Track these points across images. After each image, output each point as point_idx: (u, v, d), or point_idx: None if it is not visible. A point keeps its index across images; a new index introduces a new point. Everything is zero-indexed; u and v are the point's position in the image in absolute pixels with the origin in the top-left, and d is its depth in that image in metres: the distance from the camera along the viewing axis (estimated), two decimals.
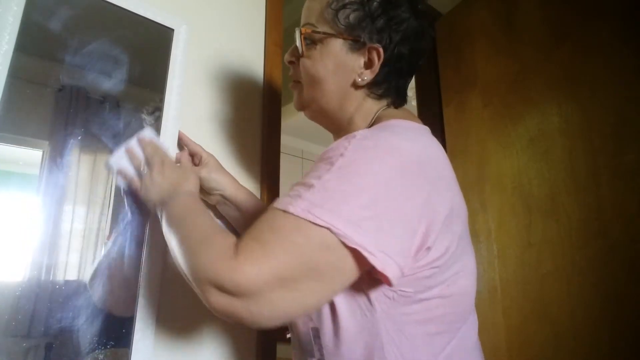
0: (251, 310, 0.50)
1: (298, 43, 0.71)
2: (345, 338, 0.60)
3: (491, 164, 1.47)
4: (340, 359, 0.61)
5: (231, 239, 0.55)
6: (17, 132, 0.76)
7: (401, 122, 0.65)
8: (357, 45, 0.68)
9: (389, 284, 0.54)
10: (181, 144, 0.88)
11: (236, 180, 0.89)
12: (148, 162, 0.75)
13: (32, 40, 0.75)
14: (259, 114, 1.07)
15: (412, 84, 1.83)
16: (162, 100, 0.87)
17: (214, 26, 1.04)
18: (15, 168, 0.76)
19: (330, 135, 0.78)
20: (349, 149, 0.56)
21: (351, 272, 0.54)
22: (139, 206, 0.77)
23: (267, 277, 0.49)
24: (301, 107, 0.76)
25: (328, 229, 0.51)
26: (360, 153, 0.56)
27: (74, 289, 0.76)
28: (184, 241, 0.58)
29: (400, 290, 0.58)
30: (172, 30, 0.90)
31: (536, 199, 1.32)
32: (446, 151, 1.76)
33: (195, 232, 0.59)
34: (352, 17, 0.67)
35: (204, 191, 0.87)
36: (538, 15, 1.40)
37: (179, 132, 0.87)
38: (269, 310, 0.51)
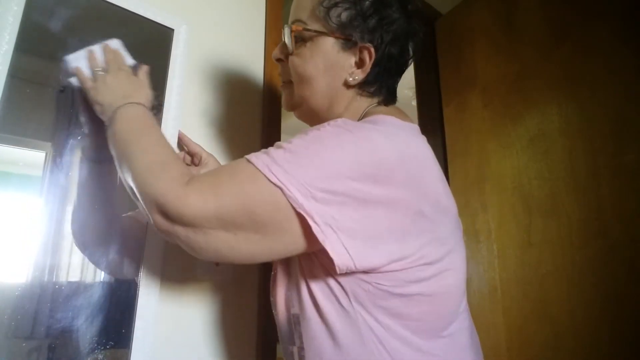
0: (189, 237, 0.54)
1: (287, 40, 0.69)
2: (324, 326, 0.60)
3: (491, 164, 1.47)
4: (319, 346, 0.60)
5: (185, 168, 0.58)
6: (18, 133, 0.76)
7: (386, 118, 0.65)
8: (348, 44, 0.67)
9: (332, 266, 0.54)
10: (181, 143, 0.88)
11: None
12: (106, 66, 0.74)
13: (32, 40, 0.75)
14: (259, 114, 1.07)
15: (412, 84, 1.83)
16: (161, 99, 0.87)
17: (214, 26, 1.04)
18: (16, 169, 0.76)
19: None
20: (327, 127, 0.58)
21: (294, 237, 0.55)
22: (90, 112, 0.74)
23: (210, 213, 0.52)
24: (291, 107, 0.75)
25: (280, 188, 0.53)
26: (336, 134, 0.57)
27: (76, 290, 0.76)
28: (137, 157, 0.59)
29: (376, 283, 0.57)
30: (172, 30, 0.90)
31: (536, 199, 1.32)
32: (446, 151, 1.76)
33: (150, 151, 0.60)
34: (344, 15, 0.66)
35: None
36: (538, 15, 1.40)
37: (179, 132, 0.87)
38: (205, 242, 0.54)
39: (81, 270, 0.79)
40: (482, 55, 1.57)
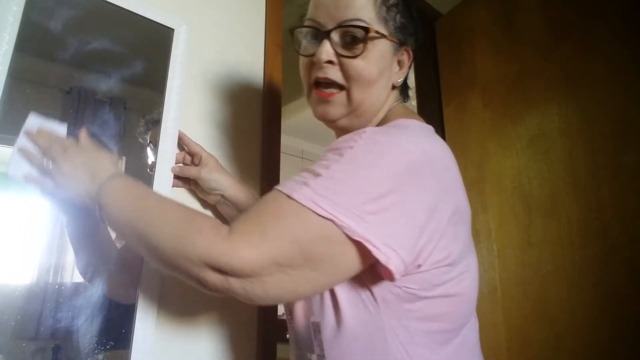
0: (246, 289, 0.51)
1: (349, 42, 0.65)
2: (347, 333, 0.60)
3: (491, 164, 1.47)
4: (341, 353, 0.60)
5: (212, 219, 0.55)
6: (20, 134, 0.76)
7: (408, 122, 0.66)
8: (397, 47, 0.69)
9: (391, 278, 0.54)
10: (181, 143, 0.88)
11: (236, 180, 0.89)
12: (48, 156, 0.67)
13: (32, 41, 0.74)
14: (259, 114, 1.07)
15: (412, 83, 1.83)
16: (161, 102, 0.87)
17: (214, 26, 1.04)
18: None
19: (330, 136, 0.77)
20: (359, 142, 0.56)
21: (351, 265, 0.54)
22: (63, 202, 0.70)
23: (264, 261, 0.50)
24: (346, 112, 0.69)
25: (331, 220, 0.51)
26: (370, 147, 0.56)
27: (82, 291, 0.76)
28: (157, 229, 0.56)
29: (405, 287, 0.58)
30: (172, 30, 0.90)
31: (536, 199, 1.32)
32: None
33: (167, 217, 0.57)
34: (398, 18, 0.68)
35: (204, 191, 0.87)
36: (538, 15, 1.40)
37: (179, 132, 0.87)
38: (263, 291, 0.52)
39: None
40: (482, 55, 1.57)
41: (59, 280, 0.75)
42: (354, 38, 0.65)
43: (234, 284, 0.51)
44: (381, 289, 0.58)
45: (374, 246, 0.51)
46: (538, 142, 1.34)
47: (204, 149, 0.88)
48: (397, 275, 0.53)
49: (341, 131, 0.73)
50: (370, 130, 0.58)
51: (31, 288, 0.73)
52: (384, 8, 0.66)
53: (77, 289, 0.76)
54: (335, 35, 0.66)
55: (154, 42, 0.92)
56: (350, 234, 0.51)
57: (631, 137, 1.13)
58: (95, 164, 0.66)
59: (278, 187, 0.55)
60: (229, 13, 1.07)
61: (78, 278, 0.77)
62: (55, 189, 0.67)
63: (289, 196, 0.53)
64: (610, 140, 1.17)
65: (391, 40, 0.67)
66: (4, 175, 0.70)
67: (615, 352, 1.10)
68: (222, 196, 0.87)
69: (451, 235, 0.59)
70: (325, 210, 0.51)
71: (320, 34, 0.67)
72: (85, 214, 0.71)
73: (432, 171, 0.58)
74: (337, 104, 0.68)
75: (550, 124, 1.31)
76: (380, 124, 0.70)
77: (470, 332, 0.66)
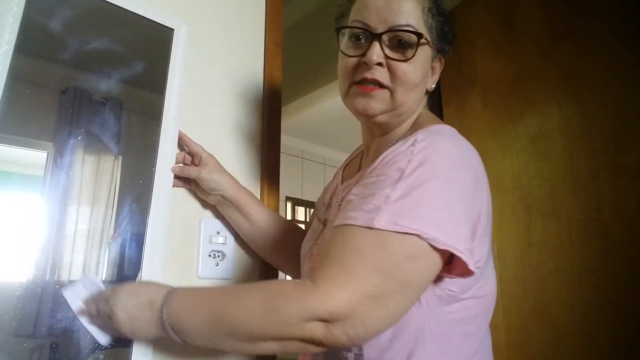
0: (348, 332, 0.52)
1: (400, 45, 0.67)
2: (387, 332, 0.61)
3: (491, 164, 1.47)
4: (379, 353, 0.61)
5: (286, 281, 0.57)
6: (20, 134, 0.76)
7: (441, 128, 0.68)
8: (435, 53, 0.72)
9: (466, 274, 0.57)
10: (181, 143, 0.88)
11: (236, 180, 0.89)
12: (102, 316, 0.65)
13: (32, 41, 0.74)
14: (259, 114, 1.07)
15: None
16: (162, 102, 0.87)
17: (214, 26, 1.04)
18: (18, 169, 0.76)
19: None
20: (415, 155, 0.58)
21: (434, 275, 0.57)
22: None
23: (359, 297, 0.51)
24: (387, 109, 0.70)
25: (417, 235, 0.52)
26: (427, 159, 0.57)
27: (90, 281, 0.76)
28: (241, 313, 0.55)
29: (448, 289, 0.60)
30: (172, 30, 0.90)
31: (536, 199, 1.32)
32: None
33: (245, 298, 0.56)
34: (440, 26, 0.71)
35: (204, 191, 0.87)
36: (538, 15, 1.40)
37: (179, 132, 0.87)
38: (364, 330, 0.52)
39: (82, 269, 0.79)
40: (482, 55, 1.57)
41: (56, 279, 0.75)
42: (403, 42, 0.67)
43: (336, 330, 0.51)
44: (426, 292, 0.60)
45: (459, 251, 0.54)
46: (538, 142, 1.34)
47: (204, 149, 0.88)
48: (475, 277, 0.57)
49: (377, 128, 0.75)
50: (419, 139, 0.60)
51: (29, 286, 0.73)
52: (430, 15, 0.69)
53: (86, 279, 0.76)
54: (385, 38, 0.67)
55: (153, 42, 0.92)
56: (436, 244, 0.53)
57: (631, 137, 1.13)
58: (144, 298, 0.63)
59: (348, 221, 0.56)
60: (229, 13, 1.07)
61: (75, 276, 0.77)
62: (128, 336, 0.65)
63: (369, 227, 0.53)
64: (610, 140, 1.17)
65: (432, 47, 0.71)
66: (11, 175, 0.71)
67: (615, 352, 1.10)
68: (222, 196, 0.87)
69: (485, 238, 0.63)
70: (409, 228, 0.52)
71: (370, 36, 0.68)
72: None
73: (477, 176, 0.62)
74: (379, 100, 0.69)
75: (550, 124, 1.31)
76: (414, 127, 0.72)
77: (489, 334, 0.70)
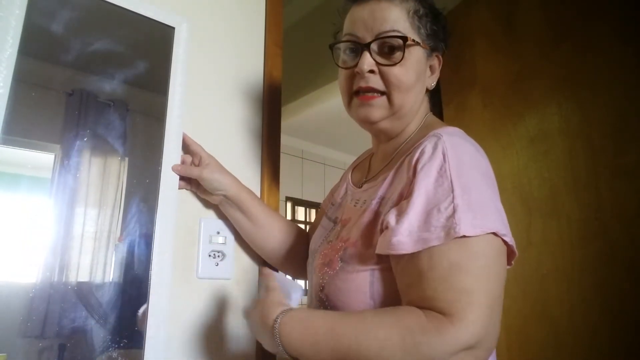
0: (488, 349, 0.55)
1: (388, 51, 0.70)
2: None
3: (491, 164, 1.46)
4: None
5: (414, 309, 0.55)
6: (27, 136, 0.77)
7: (453, 129, 0.71)
8: (429, 53, 0.74)
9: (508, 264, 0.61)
10: (182, 143, 0.88)
11: (238, 180, 0.89)
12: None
13: (35, 44, 0.75)
14: (259, 114, 1.07)
15: None
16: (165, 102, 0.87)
17: (214, 27, 1.04)
18: (26, 171, 0.76)
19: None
20: (451, 160, 0.60)
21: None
22: None
23: (485, 312, 0.53)
24: (387, 115, 0.73)
25: (494, 233, 0.56)
26: (460, 161, 0.61)
27: (86, 290, 0.77)
28: (372, 350, 0.53)
29: None
30: (173, 28, 0.91)
31: (536, 199, 1.32)
32: None
33: (380, 333, 0.54)
34: (429, 26, 0.73)
35: (206, 191, 0.87)
36: (538, 15, 1.39)
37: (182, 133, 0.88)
38: (496, 334, 0.56)
39: (90, 270, 0.79)
40: (482, 55, 1.57)
41: (64, 280, 0.75)
42: (392, 47, 0.70)
43: (479, 352, 0.53)
44: None
45: (513, 247, 0.60)
46: (538, 142, 1.34)
47: (203, 149, 0.88)
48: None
49: (382, 134, 0.78)
50: (447, 141, 0.63)
51: (37, 287, 0.73)
52: (416, 17, 0.72)
53: (82, 288, 0.77)
54: (374, 47, 0.70)
55: (154, 41, 0.92)
56: (507, 239, 0.58)
57: (631, 137, 1.12)
58: (262, 313, 0.63)
59: (430, 244, 0.56)
60: (229, 13, 1.07)
61: (83, 277, 0.78)
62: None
63: (453, 237, 0.54)
64: (610, 140, 1.16)
65: (424, 47, 0.73)
66: (15, 177, 0.71)
67: (615, 352, 1.09)
68: (225, 196, 0.87)
69: None
70: (487, 227, 0.56)
71: (360, 47, 0.71)
72: None
73: (492, 171, 0.68)
74: (378, 107, 0.72)
75: (550, 124, 1.31)
76: (424, 129, 0.74)
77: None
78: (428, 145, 0.63)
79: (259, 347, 0.93)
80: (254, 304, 0.68)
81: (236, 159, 1.00)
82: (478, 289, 0.53)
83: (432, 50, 0.75)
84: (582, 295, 1.17)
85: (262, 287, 0.69)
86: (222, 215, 0.93)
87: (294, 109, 2.53)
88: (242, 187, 0.88)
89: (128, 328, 0.77)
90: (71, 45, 0.77)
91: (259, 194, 1.02)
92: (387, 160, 0.77)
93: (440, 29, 0.75)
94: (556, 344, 1.21)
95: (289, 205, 3.99)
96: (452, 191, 0.57)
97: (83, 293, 0.76)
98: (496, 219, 0.58)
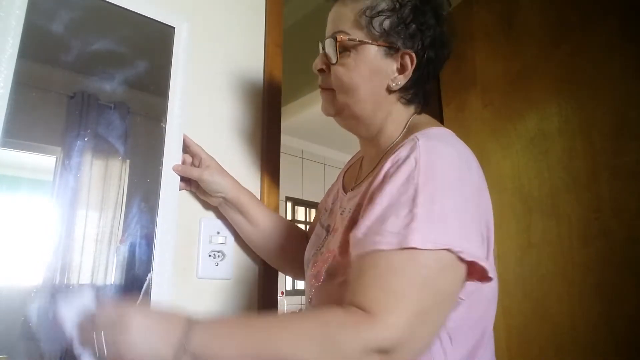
0: (405, 357, 0.52)
1: (331, 51, 0.71)
2: None
3: (491, 164, 1.47)
4: None
5: (335, 308, 0.53)
6: (28, 139, 0.76)
7: (437, 131, 0.68)
8: (390, 51, 0.70)
9: (484, 280, 0.59)
10: (182, 144, 0.88)
11: (238, 182, 0.89)
12: (104, 325, 0.53)
13: (36, 45, 0.75)
14: (259, 114, 1.07)
15: None
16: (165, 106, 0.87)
17: (214, 26, 1.04)
18: (26, 174, 0.76)
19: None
20: (422, 167, 0.57)
21: (461, 285, 0.58)
22: None
23: (410, 319, 0.51)
24: (333, 112, 0.76)
25: (448, 249, 0.53)
26: (432, 169, 0.58)
27: (89, 291, 0.77)
28: (290, 347, 0.50)
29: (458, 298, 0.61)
30: (173, 28, 0.90)
31: (536, 199, 1.32)
32: None
33: (291, 329, 0.52)
34: (386, 23, 0.69)
35: (206, 193, 0.87)
36: (538, 15, 1.39)
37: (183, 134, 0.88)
38: (417, 349, 0.53)
39: (92, 272, 0.79)
40: (482, 55, 1.57)
41: (66, 282, 0.75)
42: (339, 48, 0.70)
43: (394, 358, 0.50)
44: None
45: (482, 260, 0.56)
46: (538, 142, 1.34)
47: (204, 150, 0.88)
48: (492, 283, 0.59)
49: (354, 133, 0.78)
50: (421, 147, 0.59)
51: (39, 289, 0.73)
52: (365, 16, 0.69)
53: (84, 289, 0.77)
54: (327, 46, 0.72)
55: (155, 41, 0.92)
56: (464, 256, 0.54)
57: (631, 137, 1.13)
58: (161, 322, 0.54)
59: (377, 247, 0.54)
60: (229, 13, 1.07)
61: (85, 279, 0.78)
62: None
63: (402, 248, 0.53)
64: (610, 140, 1.16)
65: (378, 45, 0.69)
66: (16, 179, 0.71)
67: (615, 352, 1.09)
68: (224, 198, 0.87)
69: (490, 241, 0.65)
70: (440, 243, 0.53)
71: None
72: None
73: (479, 181, 0.63)
74: (327, 100, 0.76)
75: (550, 124, 1.31)
76: (407, 132, 0.71)
77: (491, 337, 0.70)
78: (403, 151, 0.60)
79: None
80: (117, 316, 0.53)
81: (236, 159, 1.00)
82: (409, 295, 0.51)
83: (391, 48, 0.69)
84: (582, 295, 1.17)
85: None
86: (222, 216, 0.93)
87: (294, 109, 2.52)
88: (241, 189, 0.88)
89: None
90: (72, 46, 0.77)
91: (258, 194, 1.02)
92: (373, 165, 0.75)
93: (401, 25, 0.69)
94: (556, 344, 1.21)
95: (289, 205, 3.99)
96: (415, 199, 0.55)
97: (84, 295, 0.76)
98: (455, 234, 0.54)
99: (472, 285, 0.61)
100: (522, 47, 1.43)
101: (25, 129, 0.72)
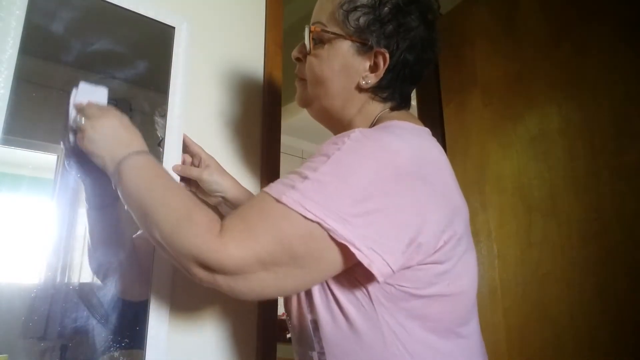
0: (230, 285, 0.54)
1: (306, 41, 0.71)
2: (346, 330, 0.60)
3: (491, 164, 1.47)
4: (341, 351, 0.61)
5: (211, 214, 0.57)
6: (29, 136, 0.76)
7: (400, 123, 0.66)
8: (364, 48, 0.68)
9: (377, 280, 0.55)
10: (182, 144, 0.88)
11: (237, 182, 0.89)
12: (85, 112, 0.69)
13: (36, 43, 0.75)
14: (259, 114, 1.07)
15: None
16: (165, 107, 0.87)
17: (214, 26, 1.04)
18: (27, 172, 0.76)
19: (329, 135, 0.78)
20: (347, 144, 0.57)
21: (335, 265, 0.56)
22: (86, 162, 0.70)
23: (250, 259, 0.52)
24: (304, 103, 0.76)
25: (318, 223, 0.53)
26: (356, 149, 0.57)
27: (88, 290, 0.77)
28: (160, 212, 0.58)
29: (398, 285, 0.59)
30: (173, 28, 0.91)
31: (536, 199, 1.32)
32: (446, 151, 1.76)
33: (171, 204, 0.59)
34: (362, 20, 0.67)
35: (205, 193, 0.87)
36: (538, 15, 1.40)
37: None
38: (247, 288, 0.54)
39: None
40: (482, 55, 1.57)
41: (66, 280, 0.75)
42: (314, 39, 0.70)
43: (220, 280, 0.54)
44: (375, 288, 0.59)
45: (358, 249, 0.53)
46: (538, 142, 1.34)
47: (203, 150, 0.88)
48: (380, 278, 0.54)
49: (334, 132, 0.76)
50: (358, 131, 0.59)
51: (39, 288, 0.73)
52: (342, 10, 0.68)
53: (84, 288, 0.77)
54: (305, 37, 0.71)
55: (155, 41, 0.92)
56: (335, 236, 0.53)
57: (631, 137, 1.13)
58: (128, 135, 0.68)
59: (266, 189, 0.57)
60: (229, 13, 1.07)
61: (86, 278, 0.78)
62: (82, 145, 0.67)
63: (277, 199, 0.54)
64: (610, 140, 1.17)
65: (352, 41, 0.68)
66: (17, 178, 0.71)
67: (615, 352, 1.10)
68: (224, 198, 0.87)
69: (442, 234, 0.60)
70: (312, 214, 0.53)
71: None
72: (107, 216, 0.77)
73: (418, 172, 0.59)
74: (299, 91, 0.76)
75: (550, 124, 1.31)
76: (372, 126, 0.70)
77: (472, 333, 0.67)
78: (342, 136, 0.60)
79: (259, 347, 0.93)
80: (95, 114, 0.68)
81: (236, 158, 1.00)
82: (261, 239, 0.53)
83: (365, 45, 0.67)
84: (582, 295, 1.17)
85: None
86: (222, 216, 0.93)
87: (294, 109, 2.52)
88: (241, 189, 0.88)
89: (129, 328, 0.77)
90: (72, 45, 0.77)
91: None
92: None
93: (377, 23, 0.67)
94: (556, 344, 1.21)
95: None
96: (319, 167, 0.55)
97: (85, 293, 0.76)
98: (335, 213, 0.52)
99: (422, 279, 0.60)
100: (522, 47, 1.43)
101: (27, 127, 0.72)
